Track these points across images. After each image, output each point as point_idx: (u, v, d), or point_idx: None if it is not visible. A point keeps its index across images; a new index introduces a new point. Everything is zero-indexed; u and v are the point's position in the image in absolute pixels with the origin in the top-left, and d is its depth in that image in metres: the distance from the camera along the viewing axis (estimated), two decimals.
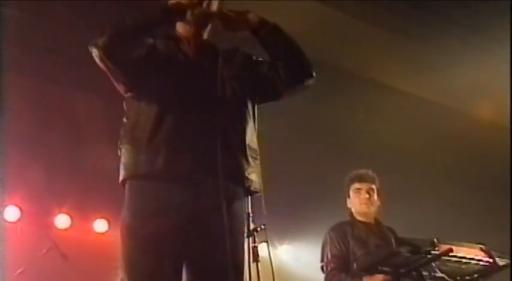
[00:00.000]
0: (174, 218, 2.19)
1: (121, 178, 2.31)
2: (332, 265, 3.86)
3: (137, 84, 2.33)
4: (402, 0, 5.32)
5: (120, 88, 2.36)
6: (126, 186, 2.30)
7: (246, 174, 2.31)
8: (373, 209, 4.03)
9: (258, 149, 2.40)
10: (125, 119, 2.36)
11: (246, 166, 2.31)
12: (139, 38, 2.30)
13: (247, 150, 2.34)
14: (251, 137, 2.38)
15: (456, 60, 5.88)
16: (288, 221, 7.19)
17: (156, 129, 2.23)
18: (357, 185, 4.06)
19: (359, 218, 4.04)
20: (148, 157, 2.21)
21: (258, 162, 2.38)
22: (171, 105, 2.28)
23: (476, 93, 6.28)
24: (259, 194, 2.42)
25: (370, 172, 4.11)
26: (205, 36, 2.45)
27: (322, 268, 3.95)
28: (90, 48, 2.26)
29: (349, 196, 4.10)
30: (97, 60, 2.25)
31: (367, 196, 4.01)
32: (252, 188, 2.35)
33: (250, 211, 3.31)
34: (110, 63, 2.24)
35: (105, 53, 2.21)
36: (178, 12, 2.32)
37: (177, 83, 2.31)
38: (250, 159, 2.33)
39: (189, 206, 2.21)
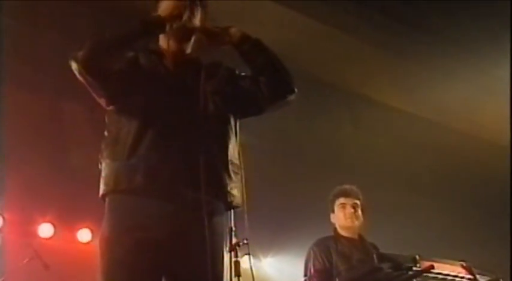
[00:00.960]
0: (154, 233, 2.18)
1: (101, 192, 2.30)
2: (315, 279, 3.87)
3: (118, 98, 2.31)
4: (392, 16, 5.38)
5: (101, 102, 2.35)
6: (106, 200, 2.29)
7: (229, 189, 2.32)
8: (357, 224, 4.07)
9: (239, 164, 2.40)
10: (106, 133, 2.35)
11: (228, 181, 2.32)
12: (119, 51, 2.28)
13: (230, 165, 2.34)
14: (233, 152, 2.38)
15: (449, 77, 5.95)
16: (273, 234, 7.18)
17: (137, 144, 2.22)
18: (342, 200, 4.10)
19: (343, 233, 4.07)
20: (128, 172, 2.21)
21: (239, 177, 2.38)
22: (152, 119, 2.27)
23: (467, 109, 6.35)
24: (241, 208, 2.42)
25: (354, 188, 4.16)
26: (188, 50, 2.43)
27: None
28: (69, 62, 2.24)
29: (333, 211, 4.13)
30: (76, 73, 2.23)
31: (352, 210, 4.05)
32: (234, 204, 2.35)
33: (232, 225, 3.30)
34: (89, 77, 2.21)
35: (85, 66, 2.19)
36: (158, 26, 2.31)
37: (158, 98, 2.31)
38: (232, 174, 2.34)
39: (168, 220, 2.20)
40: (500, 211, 6.69)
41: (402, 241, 5.46)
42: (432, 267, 3.27)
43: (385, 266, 3.28)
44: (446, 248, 5.16)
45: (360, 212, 4.09)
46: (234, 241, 3.35)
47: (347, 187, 4.17)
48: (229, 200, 2.32)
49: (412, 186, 7.34)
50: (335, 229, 4.11)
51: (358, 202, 4.10)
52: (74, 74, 2.26)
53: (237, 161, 2.38)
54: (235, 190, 2.34)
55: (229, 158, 2.35)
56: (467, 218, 7.48)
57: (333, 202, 4.15)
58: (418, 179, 7.35)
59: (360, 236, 4.09)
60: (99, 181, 2.36)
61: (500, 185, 6.52)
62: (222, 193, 2.31)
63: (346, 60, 5.80)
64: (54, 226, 6.47)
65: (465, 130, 6.81)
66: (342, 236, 4.06)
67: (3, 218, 6.09)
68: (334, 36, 5.51)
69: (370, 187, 4.39)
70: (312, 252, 3.95)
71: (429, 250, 3.81)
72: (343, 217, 4.07)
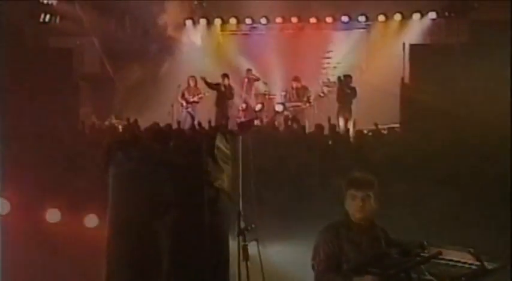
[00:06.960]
0: (162, 211, 2.18)
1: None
2: (323, 264, 3.83)
3: None
4: None
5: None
6: (111, 177, 2.27)
7: (214, 174, 2.37)
8: (367, 216, 3.97)
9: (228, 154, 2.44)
10: None
11: (212, 167, 2.37)
12: None
13: (215, 151, 2.40)
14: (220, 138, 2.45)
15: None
16: (280, 221, 7.20)
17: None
18: (352, 192, 3.97)
19: (354, 219, 4.00)
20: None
21: (228, 166, 2.41)
22: None
23: (472, 102, 6.36)
24: (249, 195, 2.45)
25: (368, 176, 3.97)
26: None
27: (313, 266, 3.93)
28: None
29: (345, 198, 4.04)
30: None
31: (361, 204, 3.93)
32: (224, 188, 2.40)
33: (241, 209, 3.29)
34: None
35: None
36: None
37: None
38: (220, 162, 2.37)
39: (177, 201, 2.21)
40: (502, 201, 6.71)
41: (409, 228, 5.46)
42: (440, 253, 3.26)
43: (393, 252, 3.27)
44: (454, 234, 5.16)
45: (371, 202, 3.96)
46: (242, 225, 3.34)
47: (360, 176, 3.95)
48: (216, 185, 2.36)
49: (421, 173, 7.33)
50: (347, 213, 4.02)
51: (370, 193, 3.96)
52: None
53: (225, 150, 2.40)
54: (224, 175, 2.37)
55: (216, 143, 2.40)
56: (471, 207, 7.48)
57: (345, 190, 4.03)
58: (423, 168, 7.35)
59: (370, 221, 4.02)
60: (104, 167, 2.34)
61: (502, 177, 6.53)
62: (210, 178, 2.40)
63: None
64: (61, 212, 6.52)
65: (470, 121, 6.82)
66: (353, 222, 4.00)
67: (11, 203, 6.13)
68: None
69: (380, 173, 4.33)
70: (322, 237, 3.90)
71: (436, 235, 3.80)
72: (353, 209, 3.98)
